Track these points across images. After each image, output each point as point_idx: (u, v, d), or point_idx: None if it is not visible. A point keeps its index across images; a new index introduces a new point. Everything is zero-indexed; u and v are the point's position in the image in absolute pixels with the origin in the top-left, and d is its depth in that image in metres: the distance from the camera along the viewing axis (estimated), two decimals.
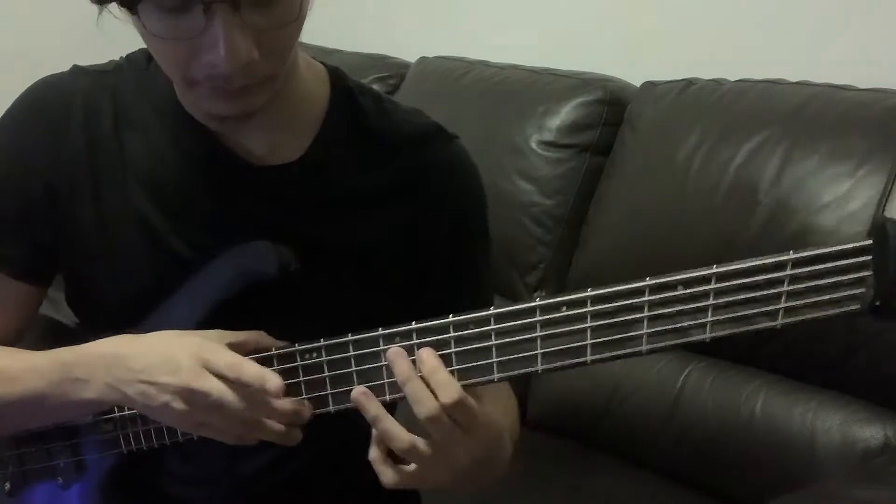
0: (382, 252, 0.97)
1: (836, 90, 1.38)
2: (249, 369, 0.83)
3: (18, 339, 1.01)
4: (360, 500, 1.07)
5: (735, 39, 1.68)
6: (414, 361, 0.80)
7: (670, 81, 1.57)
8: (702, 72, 1.56)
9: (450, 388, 0.77)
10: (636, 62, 1.75)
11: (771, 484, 1.27)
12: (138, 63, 0.98)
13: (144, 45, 0.98)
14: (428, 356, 0.79)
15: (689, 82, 1.54)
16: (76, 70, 0.99)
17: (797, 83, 1.44)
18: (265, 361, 0.87)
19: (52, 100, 0.96)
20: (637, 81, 1.66)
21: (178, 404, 0.83)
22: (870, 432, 1.24)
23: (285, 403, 0.84)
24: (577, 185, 1.64)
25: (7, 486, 1.02)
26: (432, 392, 0.78)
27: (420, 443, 0.80)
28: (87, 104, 0.96)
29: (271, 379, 0.82)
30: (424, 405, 0.78)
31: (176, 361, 0.83)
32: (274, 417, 0.85)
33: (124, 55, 1.01)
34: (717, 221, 1.37)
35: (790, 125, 1.36)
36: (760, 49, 1.64)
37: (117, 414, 0.94)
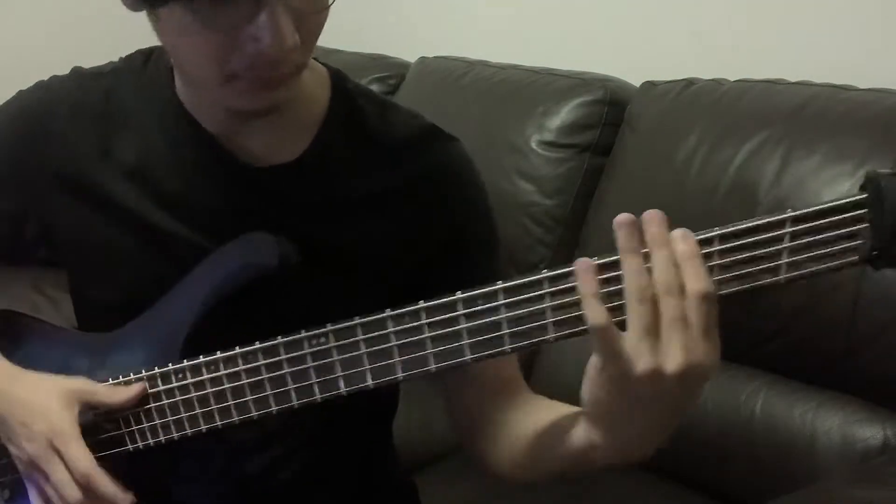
0: (382, 254, 0.97)
1: (836, 90, 1.38)
2: (103, 486, 0.87)
3: None
4: (362, 499, 1.08)
5: (735, 39, 1.68)
6: (423, 340, 0.81)
7: (670, 81, 1.57)
8: (702, 72, 1.56)
9: (702, 278, 0.72)
10: (636, 62, 1.75)
11: (771, 484, 1.27)
12: (135, 64, 0.98)
13: (144, 46, 0.99)
14: (685, 237, 0.74)
15: (689, 82, 1.54)
16: (73, 73, 1.00)
17: (797, 83, 1.44)
18: (267, 353, 0.87)
19: (38, 108, 0.97)
20: (637, 81, 1.66)
21: (22, 459, 0.90)
22: (870, 432, 1.24)
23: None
24: (577, 185, 1.64)
25: (6, 493, 1.01)
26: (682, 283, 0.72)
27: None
28: (74, 110, 0.96)
29: (123, 499, 0.88)
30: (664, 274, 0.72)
31: (29, 426, 0.89)
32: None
33: (122, 57, 1.01)
34: (717, 221, 1.36)
35: (790, 125, 1.36)
36: (760, 49, 1.64)
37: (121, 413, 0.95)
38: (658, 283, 0.72)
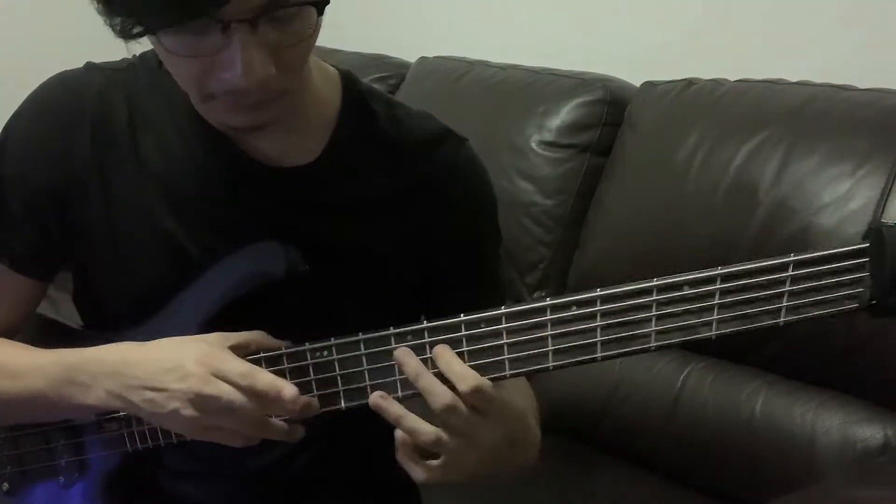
0: (394, 255, 0.97)
1: (836, 90, 1.37)
2: (263, 378, 0.83)
3: (14, 334, 1.01)
4: (363, 497, 1.08)
5: (735, 39, 1.68)
6: (425, 360, 0.82)
7: (670, 81, 1.57)
8: (702, 72, 1.56)
9: (468, 378, 0.79)
10: (636, 62, 1.75)
11: (771, 484, 1.27)
12: (151, 62, 0.98)
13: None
14: (442, 351, 0.81)
15: (689, 82, 1.54)
16: (89, 67, 0.99)
17: (797, 83, 1.44)
18: (274, 360, 0.87)
19: (65, 97, 0.96)
20: (637, 81, 1.66)
21: (188, 410, 0.84)
22: (870, 432, 1.24)
23: (297, 403, 0.84)
24: (577, 185, 1.64)
25: (6, 486, 1.01)
26: (451, 385, 0.80)
27: (444, 434, 0.81)
28: (99, 103, 0.96)
29: (285, 387, 0.83)
30: (439, 396, 0.80)
31: (184, 368, 0.84)
32: (283, 415, 0.86)
33: (137, 53, 1.00)
34: (717, 221, 1.37)
35: (790, 125, 1.36)
36: (760, 49, 1.64)
37: (122, 413, 0.94)
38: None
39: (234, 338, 0.88)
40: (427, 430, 0.81)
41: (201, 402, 0.83)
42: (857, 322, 1.24)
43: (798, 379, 1.33)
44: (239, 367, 0.84)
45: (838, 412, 1.27)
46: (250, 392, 0.83)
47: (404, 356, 0.82)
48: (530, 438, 0.89)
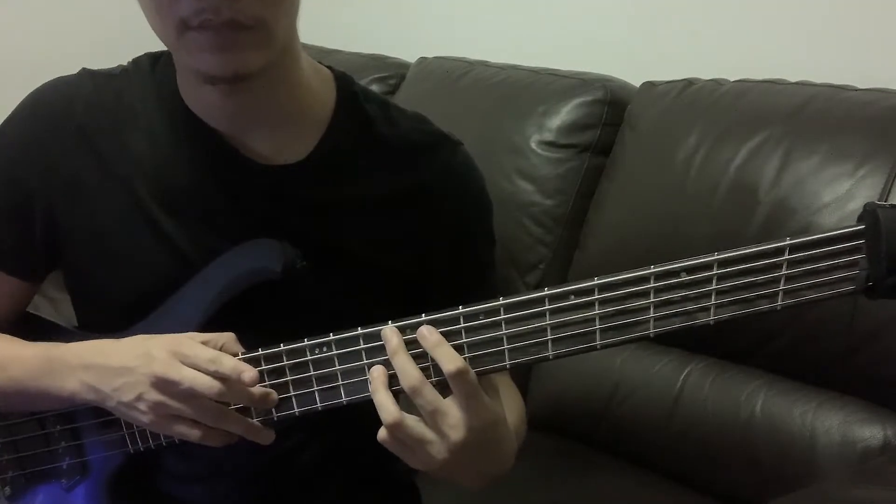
0: (386, 256, 0.98)
1: (836, 90, 1.37)
2: (227, 362, 0.85)
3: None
4: (363, 498, 1.08)
5: (735, 39, 1.68)
6: (420, 353, 0.82)
7: (670, 81, 1.57)
8: (702, 72, 1.56)
9: (453, 359, 0.80)
10: (636, 62, 1.75)
11: (771, 484, 1.27)
12: (144, 66, 1.00)
13: (150, 50, 1.00)
14: (429, 332, 0.81)
15: (688, 82, 1.54)
16: (83, 73, 1.01)
17: (797, 83, 1.44)
18: (274, 358, 0.88)
19: (55, 102, 0.98)
20: (637, 81, 1.66)
21: (152, 395, 0.85)
22: (870, 432, 1.24)
23: (255, 389, 0.86)
24: (577, 185, 1.64)
25: (7, 490, 1.01)
26: (438, 365, 0.80)
27: (410, 419, 0.81)
28: (89, 107, 0.97)
29: (246, 370, 0.85)
30: (408, 376, 0.80)
31: (150, 354, 0.86)
32: (243, 402, 0.87)
33: (131, 60, 1.02)
34: (717, 221, 1.37)
35: (790, 125, 1.36)
36: (760, 49, 1.64)
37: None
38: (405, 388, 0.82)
39: (205, 336, 0.89)
40: (391, 408, 0.81)
41: (164, 385, 0.85)
42: (857, 322, 1.24)
43: (798, 379, 1.33)
44: (206, 353, 0.86)
45: (838, 412, 1.27)
46: (216, 376, 0.85)
47: (389, 333, 0.83)
48: (505, 448, 0.88)
